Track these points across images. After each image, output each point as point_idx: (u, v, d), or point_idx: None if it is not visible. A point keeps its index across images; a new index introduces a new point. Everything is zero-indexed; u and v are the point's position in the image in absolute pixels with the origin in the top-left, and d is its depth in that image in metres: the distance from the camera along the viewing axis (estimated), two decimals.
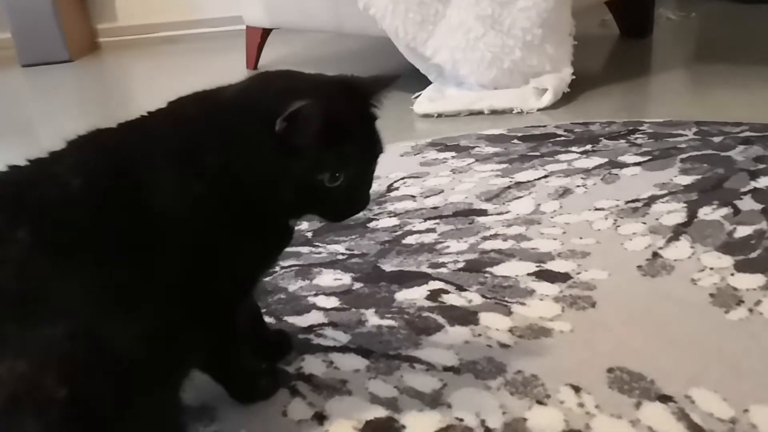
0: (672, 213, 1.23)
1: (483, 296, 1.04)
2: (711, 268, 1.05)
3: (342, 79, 0.79)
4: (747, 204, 1.23)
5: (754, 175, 1.34)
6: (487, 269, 1.11)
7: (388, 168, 1.55)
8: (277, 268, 1.16)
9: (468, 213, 1.33)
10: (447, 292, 1.06)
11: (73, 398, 0.62)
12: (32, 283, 0.64)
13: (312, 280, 1.13)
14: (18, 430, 0.62)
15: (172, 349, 0.71)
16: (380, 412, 0.82)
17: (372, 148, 0.77)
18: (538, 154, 1.58)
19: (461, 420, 0.79)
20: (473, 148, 1.67)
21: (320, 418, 0.82)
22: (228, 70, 2.77)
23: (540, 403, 0.81)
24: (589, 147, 1.58)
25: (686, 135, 1.59)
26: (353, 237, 1.27)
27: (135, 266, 0.68)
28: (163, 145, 0.73)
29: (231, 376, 0.83)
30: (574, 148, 1.58)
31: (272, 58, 2.82)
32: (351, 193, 0.77)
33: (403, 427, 0.79)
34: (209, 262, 0.73)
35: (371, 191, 0.80)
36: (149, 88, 2.87)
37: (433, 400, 0.83)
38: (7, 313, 0.63)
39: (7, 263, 0.64)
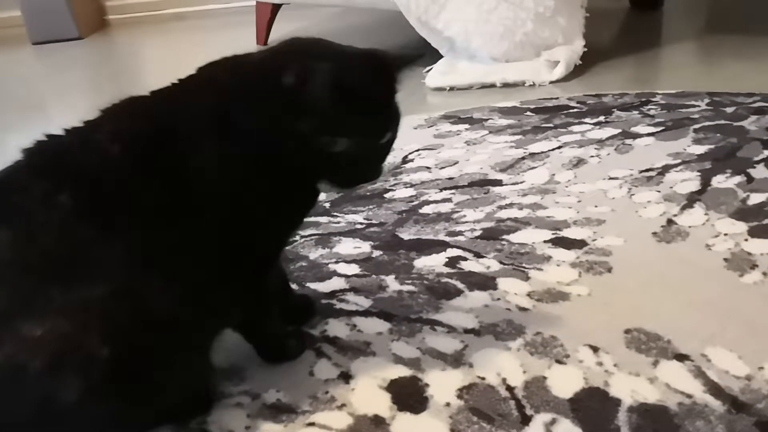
0: (686, 181, 1.24)
1: (500, 262, 1.06)
2: (725, 234, 1.06)
3: (369, 51, 0.79)
4: (760, 172, 1.24)
5: (767, 144, 1.35)
6: (504, 237, 1.13)
7: (402, 140, 1.53)
8: (297, 237, 1.18)
9: (483, 183, 1.34)
10: (465, 259, 1.08)
11: (114, 357, 0.65)
12: (74, 246, 0.66)
13: (332, 248, 1.15)
14: (60, 388, 0.65)
15: (206, 310, 0.74)
16: (404, 372, 0.84)
17: (385, 121, 0.77)
18: (551, 125, 1.59)
19: (483, 378, 0.82)
20: (486, 120, 1.68)
21: (346, 377, 0.84)
22: (238, 46, 2.75)
23: (559, 362, 0.83)
24: (602, 118, 1.59)
25: (699, 106, 1.59)
26: (371, 207, 1.29)
27: (172, 229, 0.71)
28: (197, 110, 0.75)
29: (262, 336, 0.86)
30: (587, 120, 1.59)
31: (282, 33, 2.81)
32: (358, 162, 0.77)
33: (427, 385, 0.82)
34: (244, 222, 0.76)
35: (386, 163, 0.80)
36: (159, 65, 2.87)
37: (455, 360, 0.85)
38: (50, 273, 0.65)
39: (51, 227, 0.66)
